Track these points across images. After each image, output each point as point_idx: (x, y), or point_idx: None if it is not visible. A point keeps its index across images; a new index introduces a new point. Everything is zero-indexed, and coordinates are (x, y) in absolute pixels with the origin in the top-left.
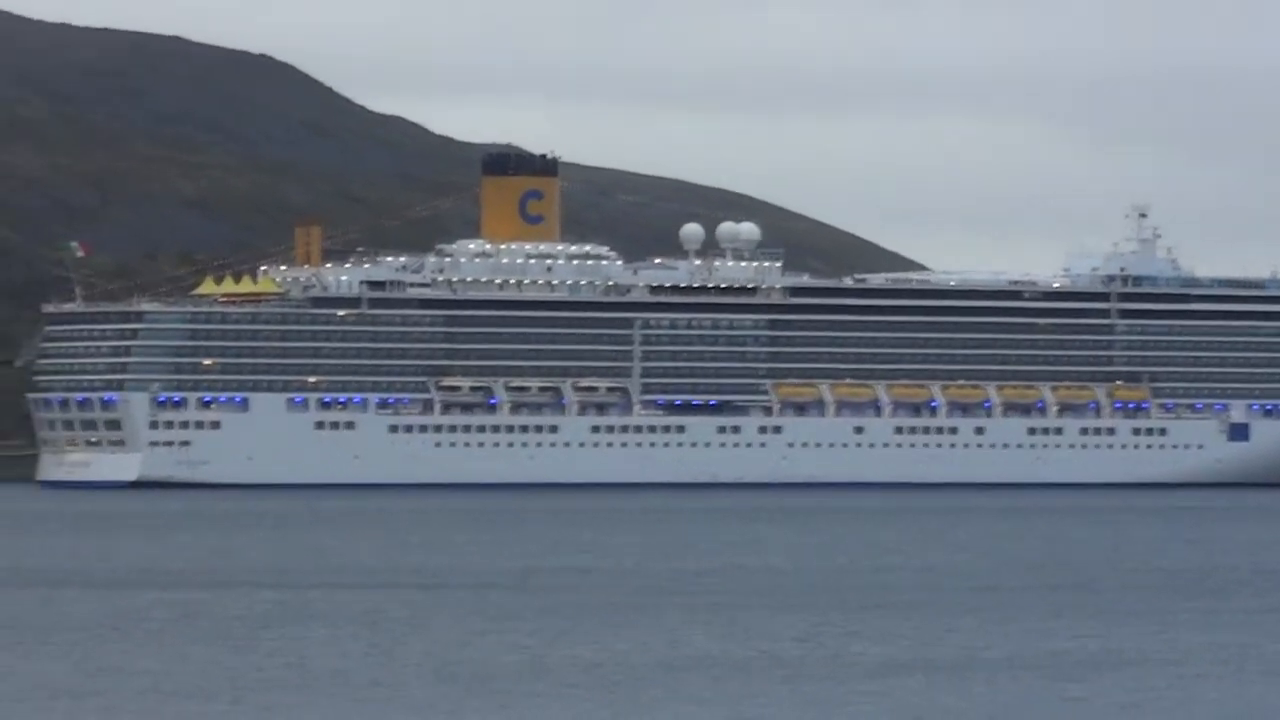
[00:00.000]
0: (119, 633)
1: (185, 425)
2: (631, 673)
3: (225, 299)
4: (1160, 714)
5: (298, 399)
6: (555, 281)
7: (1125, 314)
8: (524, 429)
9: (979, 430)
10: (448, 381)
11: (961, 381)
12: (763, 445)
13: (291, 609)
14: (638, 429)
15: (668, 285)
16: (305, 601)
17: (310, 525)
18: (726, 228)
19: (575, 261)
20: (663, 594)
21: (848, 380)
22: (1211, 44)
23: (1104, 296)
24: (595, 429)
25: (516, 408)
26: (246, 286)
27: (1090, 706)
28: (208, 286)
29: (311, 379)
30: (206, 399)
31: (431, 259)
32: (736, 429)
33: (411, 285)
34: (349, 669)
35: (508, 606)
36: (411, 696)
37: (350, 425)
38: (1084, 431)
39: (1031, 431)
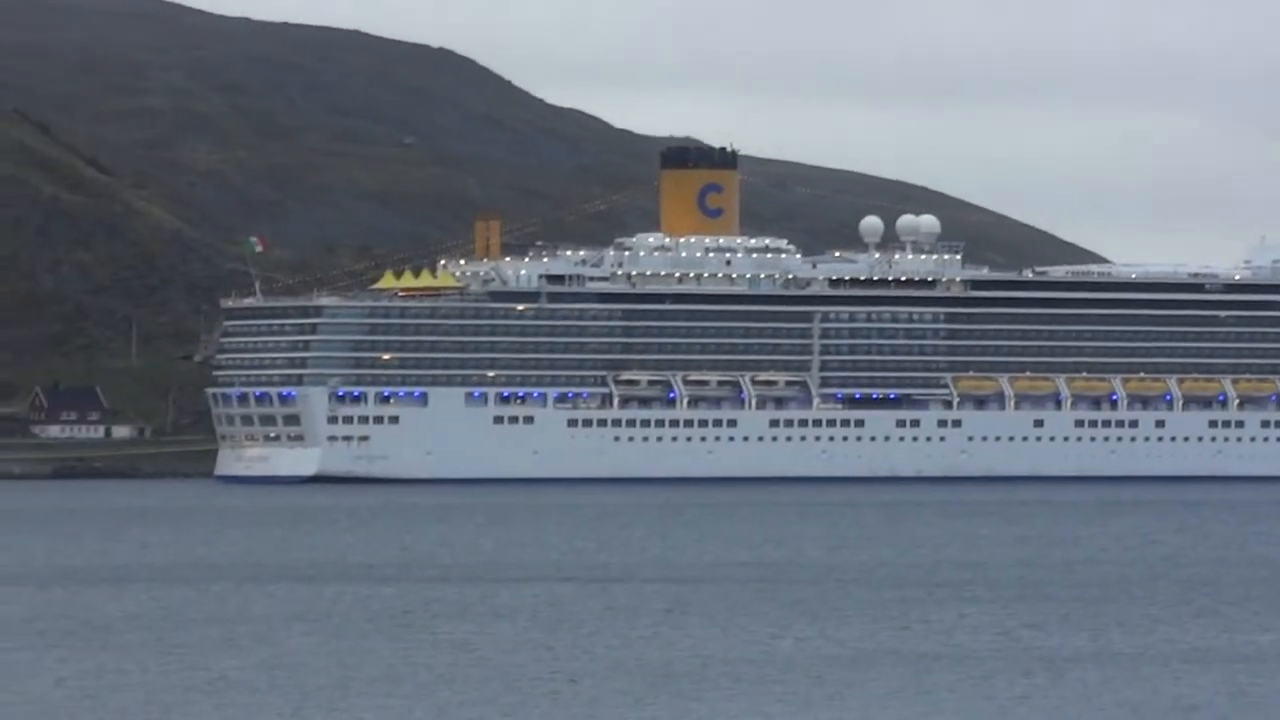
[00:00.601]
0: (303, 625)
1: (364, 420)
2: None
3: (404, 293)
4: None
5: (476, 393)
6: (734, 275)
7: None
8: (702, 423)
9: (1159, 423)
10: (626, 375)
11: (1142, 374)
12: (942, 439)
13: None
14: (816, 423)
15: (847, 279)
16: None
17: (500, 519)
18: (906, 220)
19: (754, 255)
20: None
21: (1027, 373)
22: None
23: None
24: (774, 423)
25: (695, 402)
26: (425, 281)
27: None
28: (386, 281)
29: (490, 373)
30: (385, 393)
31: (610, 253)
32: (916, 422)
33: (590, 279)
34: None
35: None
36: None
37: (529, 420)
38: (1265, 424)
39: (1213, 424)
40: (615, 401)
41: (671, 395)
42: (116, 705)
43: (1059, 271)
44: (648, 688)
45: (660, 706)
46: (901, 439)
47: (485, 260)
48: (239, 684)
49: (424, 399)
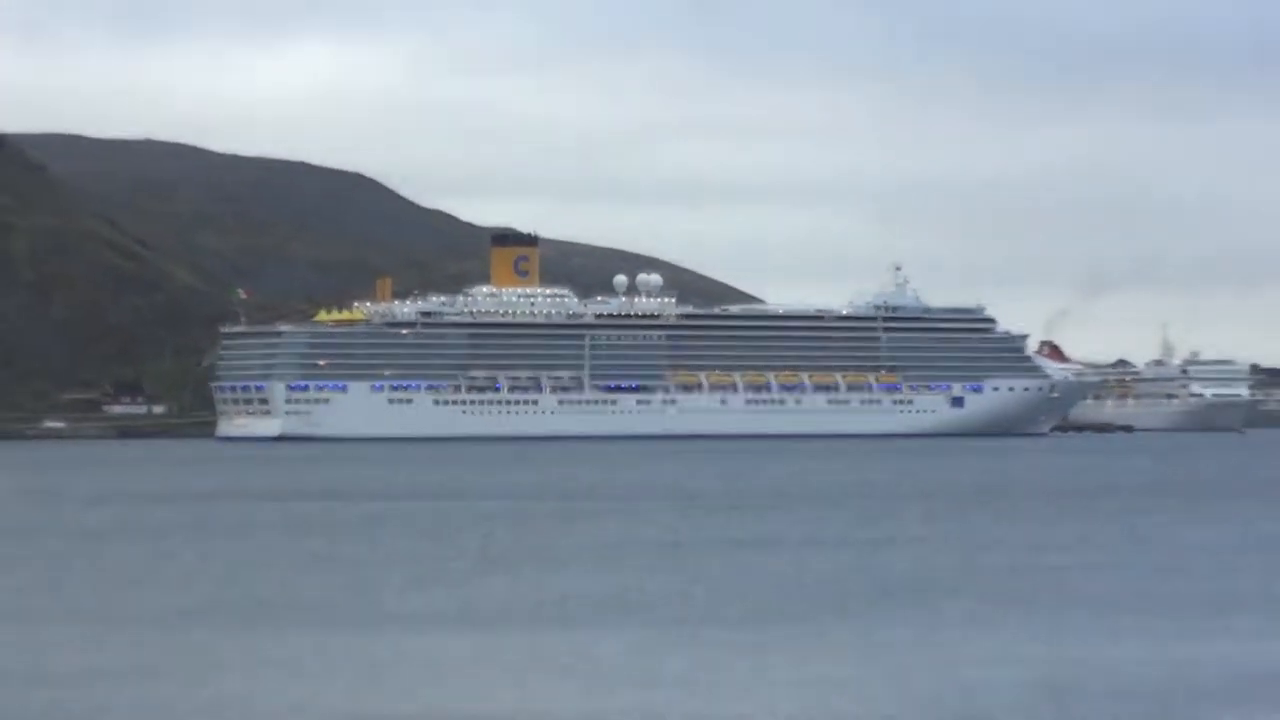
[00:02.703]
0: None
1: (308, 402)
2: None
3: (333, 324)
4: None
5: (377, 385)
6: (536, 312)
7: (887, 329)
8: (518, 403)
9: (798, 401)
10: (471, 374)
11: (786, 371)
12: (665, 412)
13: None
14: (588, 402)
15: (606, 313)
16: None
17: (395, 462)
18: (642, 278)
19: (549, 299)
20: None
21: (716, 371)
22: None
23: (874, 319)
24: (561, 402)
25: (513, 389)
26: (346, 315)
27: None
28: (322, 316)
29: (386, 372)
30: (321, 385)
31: (460, 298)
32: (648, 402)
33: (448, 314)
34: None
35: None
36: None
37: (409, 401)
38: (863, 402)
39: (830, 402)
40: (464, 389)
41: (498, 386)
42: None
43: (736, 309)
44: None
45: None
46: (639, 412)
47: (382, 303)
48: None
49: (345, 389)
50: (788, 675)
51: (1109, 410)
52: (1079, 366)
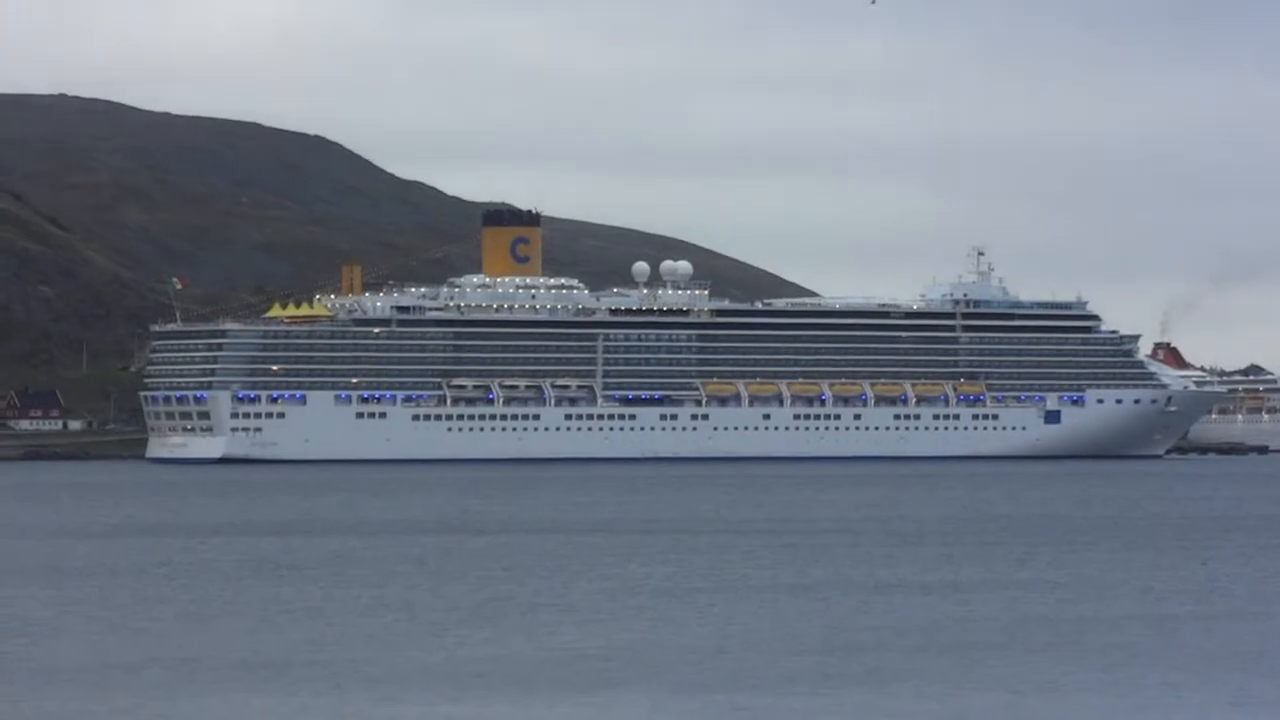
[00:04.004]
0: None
1: (258, 415)
2: None
3: (288, 320)
4: None
5: (343, 395)
6: (538, 305)
7: (967, 328)
8: (514, 417)
9: (857, 416)
10: (456, 381)
11: (844, 379)
12: (694, 429)
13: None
14: (600, 416)
15: (623, 308)
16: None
17: (362, 491)
18: (667, 265)
19: (553, 290)
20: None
21: (758, 379)
22: (1037, 117)
23: (951, 315)
24: (568, 417)
25: (509, 401)
26: (304, 310)
27: None
28: (275, 311)
29: (354, 380)
30: (274, 395)
31: (444, 289)
32: (674, 416)
33: (429, 309)
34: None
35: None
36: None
37: (383, 415)
38: (936, 417)
39: (896, 417)
40: (448, 401)
41: (490, 396)
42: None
43: (781, 303)
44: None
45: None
46: (663, 429)
47: (349, 295)
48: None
49: (304, 400)
50: None
51: (1239, 427)
52: (1202, 374)
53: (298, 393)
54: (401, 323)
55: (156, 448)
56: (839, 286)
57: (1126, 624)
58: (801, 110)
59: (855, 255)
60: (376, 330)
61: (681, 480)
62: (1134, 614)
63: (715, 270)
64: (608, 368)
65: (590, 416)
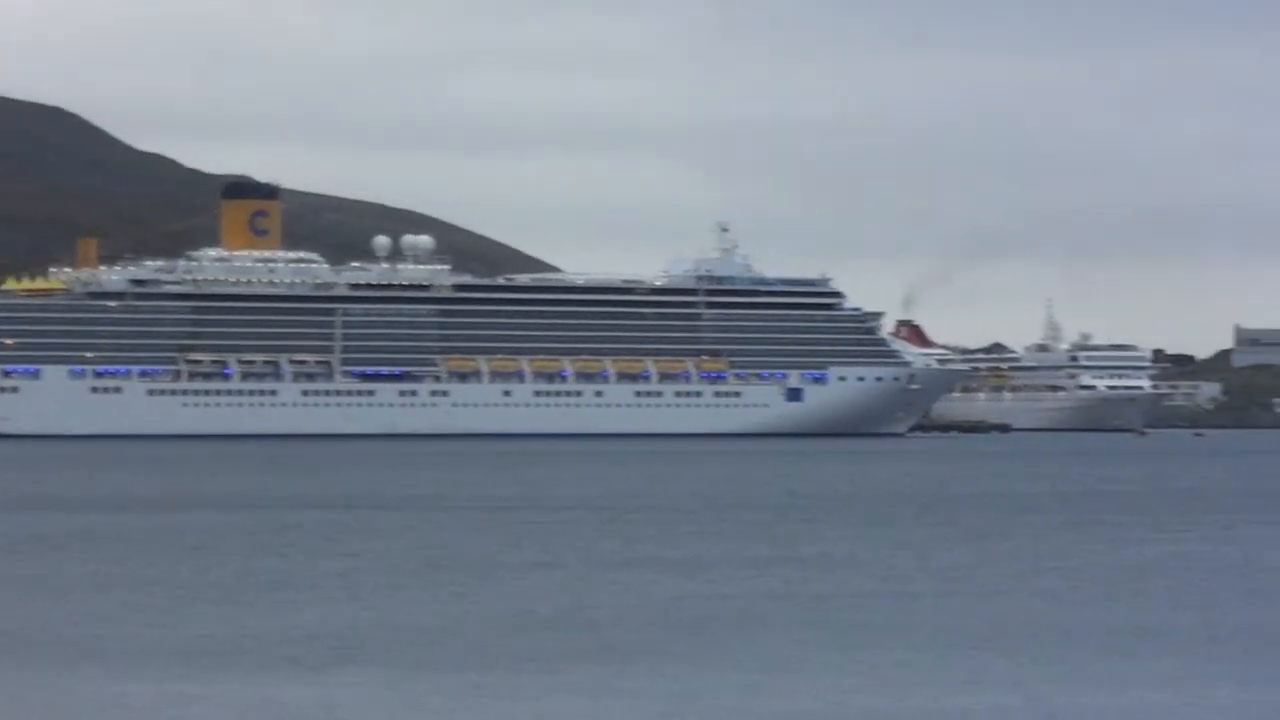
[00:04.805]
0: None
1: None
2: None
3: (24, 293)
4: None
5: (78, 369)
6: (276, 280)
7: (710, 305)
8: (251, 393)
9: (599, 393)
10: (193, 356)
11: (585, 356)
12: (434, 405)
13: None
14: (338, 393)
15: (363, 283)
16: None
17: (93, 467)
18: (408, 239)
19: (292, 264)
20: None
21: (499, 355)
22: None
23: (694, 292)
24: (305, 393)
25: (246, 376)
26: (39, 284)
27: None
28: (9, 284)
29: (89, 354)
30: (7, 370)
31: (182, 263)
32: (414, 392)
33: (166, 283)
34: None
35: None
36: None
37: (118, 390)
38: (678, 394)
39: (638, 394)
40: (185, 376)
41: (227, 371)
42: None
43: (524, 278)
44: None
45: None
46: (402, 405)
47: (86, 268)
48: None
49: (38, 374)
50: None
51: (981, 405)
52: (944, 352)
53: (31, 367)
54: (137, 296)
55: None
56: (583, 263)
57: (866, 601)
58: (549, 87)
59: (601, 232)
60: (112, 304)
61: (421, 456)
62: (875, 591)
63: (458, 245)
64: (347, 343)
65: (328, 392)
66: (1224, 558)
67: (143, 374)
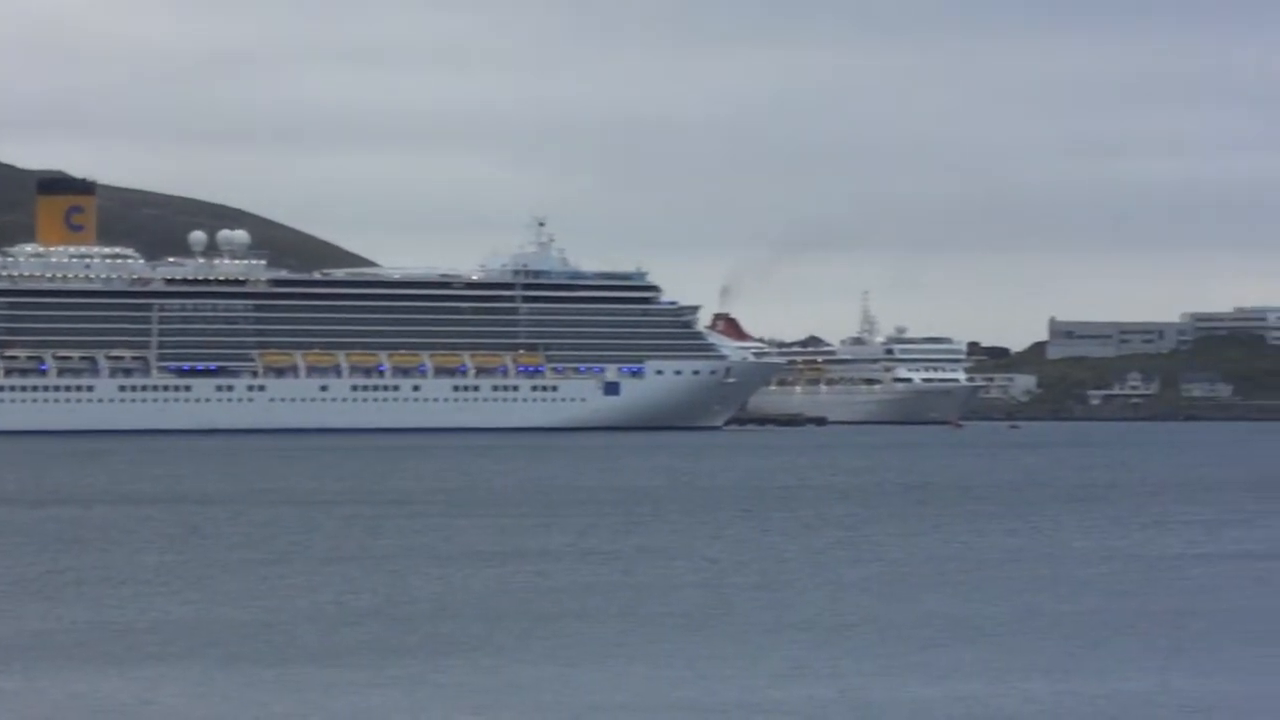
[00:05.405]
0: None
1: None
2: None
3: None
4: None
5: None
6: (92, 275)
7: (527, 299)
8: (67, 388)
9: (416, 388)
10: (9, 352)
11: (403, 350)
12: (251, 400)
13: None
14: (155, 388)
15: (179, 278)
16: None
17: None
18: (224, 234)
19: (108, 260)
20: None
21: (316, 350)
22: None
23: (511, 286)
24: (122, 388)
25: (62, 372)
26: None
27: None
28: None
29: None
30: None
31: None
32: (230, 388)
33: None
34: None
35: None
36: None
37: None
38: (495, 389)
39: (456, 389)
40: (1, 372)
41: (43, 367)
42: None
43: (340, 273)
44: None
45: None
46: (219, 400)
47: None
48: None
49: None
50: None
51: (798, 398)
52: (761, 345)
53: None
54: None
55: None
56: (401, 258)
57: (684, 594)
58: (366, 82)
59: (419, 227)
60: None
61: (239, 452)
62: (692, 584)
63: (275, 240)
64: (163, 339)
65: (145, 388)
66: (1039, 549)
67: None
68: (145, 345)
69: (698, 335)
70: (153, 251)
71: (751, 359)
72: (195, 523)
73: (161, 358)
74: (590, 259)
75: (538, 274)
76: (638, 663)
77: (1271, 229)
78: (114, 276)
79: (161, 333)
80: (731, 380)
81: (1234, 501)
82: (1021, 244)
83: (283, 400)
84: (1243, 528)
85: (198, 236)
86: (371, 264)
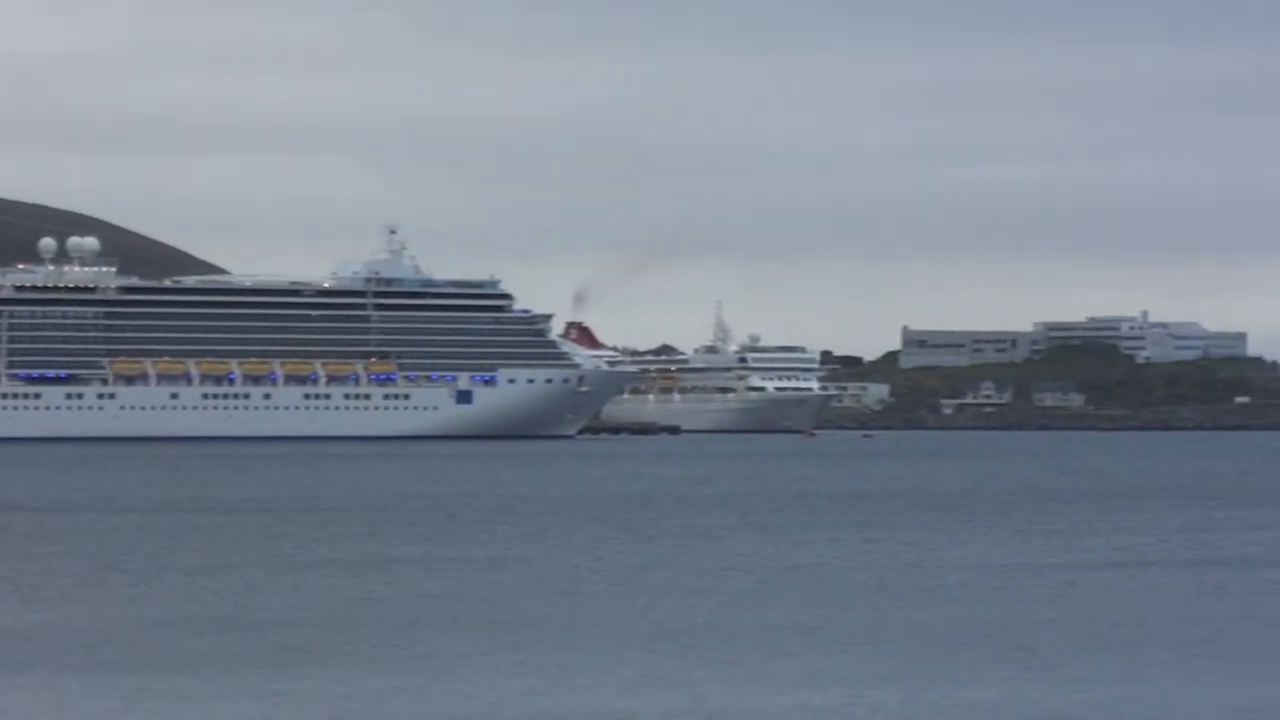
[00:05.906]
0: None
1: None
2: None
3: None
4: None
5: None
6: None
7: (379, 307)
8: None
9: (267, 395)
10: None
11: (254, 358)
12: (101, 408)
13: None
14: (4, 395)
15: (28, 284)
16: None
17: None
18: (74, 241)
19: None
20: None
21: (166, 358)
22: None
23: (362, 294)
24: None
25: None
26: None
27: None
28: None
29: None
30: None
31: None
32: (80, 395)
33: None
34: None
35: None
36: None
37: None
38: (347, 396)
39: (307, 396)
40: None
41: None
42: None
43: (191, 280)
44: None
45: None
46: (69, 408)
47: None
48: None
49: None
50: None
51: (651, 407)
52: (614, 354)
53: None
54: None
55: None
56: (253, 265)
57: (535, 602)
58: (218, 86)
59: (271, 233)
60: None
61: (89, 460)
62: (544, 592)
63: (125, 247)
64: (12, 345)
65: None
66: (898, 558)
67: None
68: None
69: (551, 344)
70: (2, 258)
71: (605, 367)
72: (45, 530)
73: (11, 365)
74: (444, 267)
75: (389, 282)
76: (489, 672)
77: (1126, 238)
78: None
79: (10, 340)
80: (584, 389)
81: (1086, 512)
82: (874, 252)
83: (133, 408)
84: (1095, 537)
85: (47, 243)
86: (223, 271)
